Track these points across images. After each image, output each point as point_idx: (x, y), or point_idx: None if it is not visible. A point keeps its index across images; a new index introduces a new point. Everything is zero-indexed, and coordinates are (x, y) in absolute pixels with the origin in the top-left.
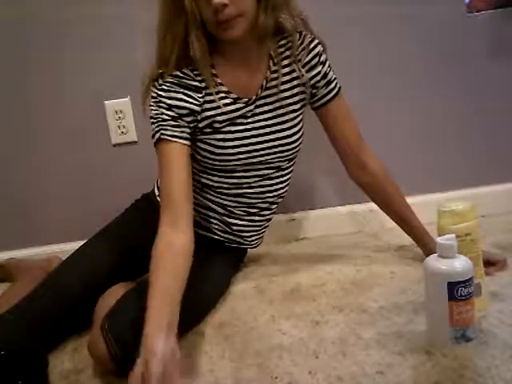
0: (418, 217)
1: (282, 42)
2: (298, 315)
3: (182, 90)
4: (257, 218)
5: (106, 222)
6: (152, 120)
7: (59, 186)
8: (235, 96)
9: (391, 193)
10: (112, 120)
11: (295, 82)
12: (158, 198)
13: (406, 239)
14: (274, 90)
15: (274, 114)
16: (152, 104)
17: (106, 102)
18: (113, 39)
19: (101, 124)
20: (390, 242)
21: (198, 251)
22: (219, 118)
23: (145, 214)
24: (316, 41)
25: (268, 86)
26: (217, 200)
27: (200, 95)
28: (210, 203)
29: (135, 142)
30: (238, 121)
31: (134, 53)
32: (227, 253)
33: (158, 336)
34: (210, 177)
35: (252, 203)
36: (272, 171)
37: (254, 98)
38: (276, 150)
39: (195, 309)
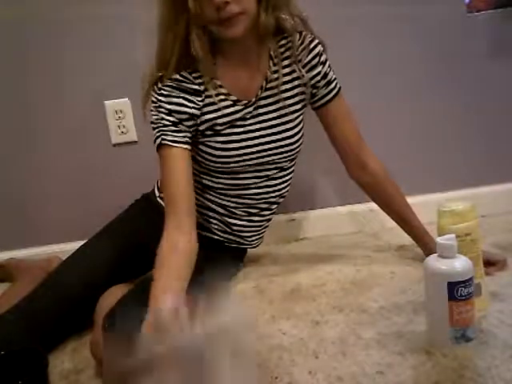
0: (418, 217)
1: (282, 42)
2: (297, 315)
3: (181, 95)
4: (257, 218)
5: (106, 222)
6: (153, 125)
7: (59, 186)
8: (235, 98)
9: (391, 193)
10: (112, 120)
11: (296, 82)
12: (157, 198)
13: (406, 239)
14: (275, 91)
15: (276, 114)
16: (152, 109)
17: (105, 101)
18: (113, 39)
19: (101, 124)
20: (390, 242)
21: (198, 251)
22: (219, 121)
23: (145, 214)
24: (316, 41)
25: (268, 86)
26: (217, 200)
27: (199, 98)
28: (210, 204)
29: (135, 141)
30: (238, 123)
31: (134, 53)
32: (227, 253)
33: (165, 297)
34: (210, 178)
35: (253, 204)
36: (274, 172)
37: (253, 99)
38: (277, 150)
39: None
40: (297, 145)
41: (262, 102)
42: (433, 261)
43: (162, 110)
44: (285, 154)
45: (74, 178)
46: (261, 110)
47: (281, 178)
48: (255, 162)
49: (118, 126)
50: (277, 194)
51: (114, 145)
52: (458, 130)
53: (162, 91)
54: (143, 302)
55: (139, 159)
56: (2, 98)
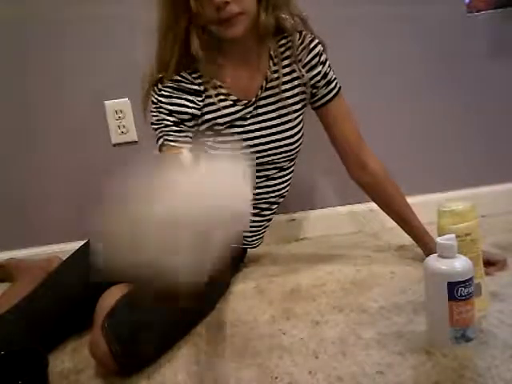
0: (418, 217)
1: (282, 42)
2: (297, 315)
3: (182, 95)
4: (257, 218)
5: None
6: (154, 126)
7: (59, 186)
8: (235, 98)
9: (391, 193)
10: (112, 120)
11: (296, 82)
12: None
13: (406, 239)
14: (275, 90)
15: (276, 114)
16: (153, 110)
17: (105, 101)
18: (113, 39)
19: (101, 124)
20: (390, 242)
21: None
22: (220, 121)
23: None
24: (316, 40)
25: (268, 86)
26: None
27: (200, 99)
28: None
29: (135, 141)
30: (238, 123)
31: (134, 53)
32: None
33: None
34: None
35: (253, 204)
36: (273, 172)
37: (253, 99)
38: (277, 150)
39: (195, 309)
40: (296, 145)
41: (262, 102)
42: (433, 261)
43: (163, 110)
44: (284, 154)
45: (74, 178)
46: (260, 110)
47: (280, 177)
48: (255, 161)
49: (118, 126)
50: (277, 193)
51: (114, 145)
52: (458, 130)
53: (163, 92)
54: (143, 302)
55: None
56: (2, 98)
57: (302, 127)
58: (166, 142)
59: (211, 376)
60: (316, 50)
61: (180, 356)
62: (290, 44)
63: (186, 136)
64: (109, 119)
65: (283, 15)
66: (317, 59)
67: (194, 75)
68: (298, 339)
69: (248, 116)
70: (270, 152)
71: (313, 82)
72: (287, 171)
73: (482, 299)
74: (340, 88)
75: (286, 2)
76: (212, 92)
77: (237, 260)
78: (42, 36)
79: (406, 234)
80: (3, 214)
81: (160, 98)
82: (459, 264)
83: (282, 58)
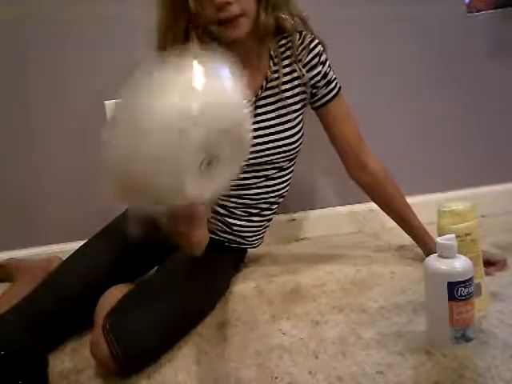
0: (418, 217)
1: (282, 42)
2: (297, 315)
3: None
4: (257, 218)
5: (105, 222)
6: None
7: (59, 186)
8: None
9: (391, 193)
10: None
11: (296, 82)
12: None
13: (406, 239)
14: (275, 90)
15: (275, 114)
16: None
17: (106, 102)
18: (113, 39)
19: (101, 124)
20: (390, 242)
21: None
22: None
23: None
24: (316, 41)
25: (268, 86)
26: (218, 201)
27: None
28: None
29: None
30: None
31: (134, 53)
32: (227, 253)
33: None
34: None
35: (253, 204)
36: (273, 172)
37: (253, 99)
38: (276, 150)
39: (195, 309)
40: (296, 145)
41: (262, 102)
42: (433, 261)
43: None
44: (283, 154)
45: (73, 178)
46: (260, 110)
47: (280, 178)
48: (253, 161)
49: None
50: (276, 194)
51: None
52: (458, 130)
53: None
54: (144, 301)
55: None
56: (2, 98)
57: (302, 127)
58: None
59: (211, 376)
60: (316, 50)
61: (180, 356)
62: (290, 44)
63: None
64: (109, 119)
65: (283, 15)
66: (317, 59)
67: None
68: (297, 339)
69: None
70: (269, 152)
71: (313, 82)
72: (287, 171)
73: (482, 299)
74: (340, 88)
75: (285, 2)
76: None
77: (237, 260)
78: (42, 36)
79: (405, 234)
80: (3, 214)
81: None
82: (459, 264)
83: (282, 57)
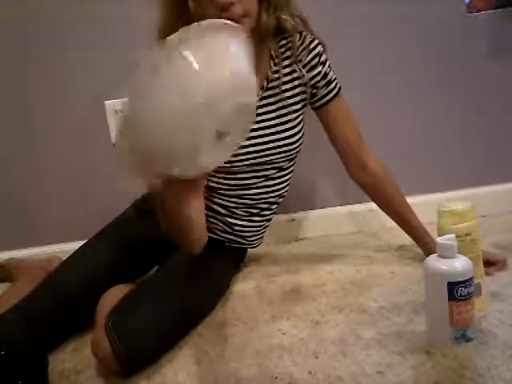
0: (418, 217)
1: (283, 42)
2: (297, 315)
3: None
4: (257, 218)
5: (105, 222)
6: None
7: (59, 186)
8: None
9: (391, 193)
10: (112, 120)
11: (296, 82)
12: None
13: (406, 239)
14: (276, 90)
15: (277, 114)
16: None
17: (106, 101)
18: (113, 39)
19: (101, 124)
20: (390, 242)
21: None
22: None
23: (144, 214)
24: (316, 41)
25: (269, 86)
26: (218, 201)
27: None
28: (211, 204)
29: None
30: None
31: (134, 53)
32: (228, 253)
33: None
34: (210, 178)
35: (253, 204)
36: (272, 172)
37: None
38: (276, 150)
39: (195, 309)
40: (296, 145)
41: (262, 102)
42: (433, 261)
43: None
44: (283, 154)
45: (73, 178)
46: (260, 110)
47: (280, 178)
48: (252, 161)
49: None
50: (276, 194)
51: (114, 145)
52: (458, 130)
53: None
54: (144, 301)
55: None
56: (2, 98)
57: (302, 127)
58: None
59: (211, 376)
60: (316, 51)
61: (180, 356)
62: (290, 44)
63: None
64: (109, 119)
65: (284, 16)
66: (317, 59)
67: None
68: (297, 339)
69: None
70: (268, 152)
71: (313, 82)
72: (287, 171)
73: (482, 299)
74: (340, 88)
75: (286, 3)
76: None
77: (237, 260)
78: (42, 36)
79: (405, 234)
80: (3, 214)
81: None
82: (459, 264)
83: (283, 58)
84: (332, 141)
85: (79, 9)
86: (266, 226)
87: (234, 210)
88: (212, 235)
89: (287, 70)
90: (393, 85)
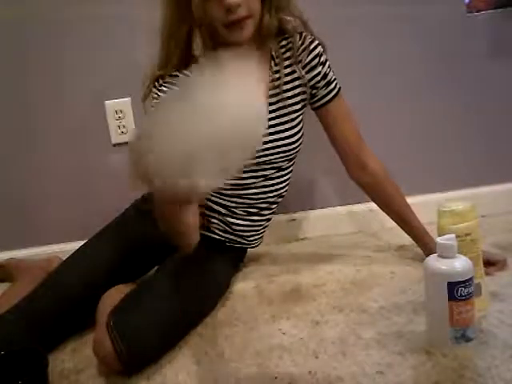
0: (418, 217)
1: (283, 43)
2: (297, 315)
3: None
4: (257, 217)
5: (105, 222)
6: None
7: (59, 186)
8: None
9: (391, 193)
10: (112, 120)
11: (296, 83)
12: None
13: (406, 239)
14: (276, 91)
15: (277, 114)
16: (154, 105)
17: (106, 101)
18: (113, 39)
19: (101, 124)
20: (390, 242)
21: (198, 251)
22: None
23: (144, 214)
24: (316, 42)
25: (269, 86)
26: (218, 200)
27: None
28: (211, 203)
29: None
30: None
31: (134, 53)
32: (227, 253)
33: None
34: None
35: (252, 203)
36: (271, 171)
37: None
38: (275, 150)
39: (195, 309)
40: (295, 145)
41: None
42: (433, 261)
43: None
44: (283, 154)
45: (74, 178)
46: None
47: (279, 178)
48: (255, 161)
49: (118, 126)
50: (275, 193)
51: (114, 145)
52: (458, 129)
53: (163, 87)
54: (145, 301)
55: None
56: (2, 98)
57: (302, 128)
58: None
59: (211, 376)
60: (316, 51)
61: (180, 356)
62: (290, 45)
63: None
64: (109, 119)
65: (284, 17)
66: (317, 60)
67: None
68: (297, 339)
69: None
70: (266, 152)
71: (313, 82)
72: (286, 171)
73: (482, 299)
74: (340, 89)
75: (287, 4)
76: None
77: (237, 260)
78: (42, 36)
79: (406, 234)
80: (3, 214)
81: (160, 94)
82: (459, 264)
83: (283, 58)
84: (332, 141)
85: (79, 9)
86: (266, 226)
87: (234, 210)
88: (212, 235)
89: (287, 70)
90: (393, 85)
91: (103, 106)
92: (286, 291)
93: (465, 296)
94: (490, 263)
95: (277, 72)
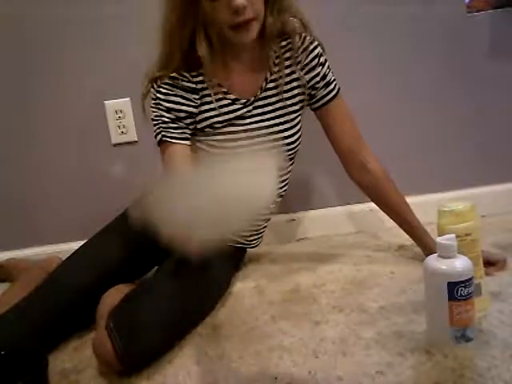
0: (418, 217)
1: (283, 44)
2: (297, 315)
3: (178, 93)
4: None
5: (105, 222)
6: (153, 122)
7: (59, 186)
8: (233, 97)
9: (391, 193)
10: (112, 120)
11: (295, 83)
12: None
13: (406, 239)
14: (276, 91)
15: (274, 114)
16: (152, 106)
17: (106, 101)
18: (113, 39)
19: (101, 124)
20: (390, 242)
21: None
22: (219, 119)
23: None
24: (316, 42)
25: (268, 86)
26: None
27: (197, 96)
28: None
29: (135, 141)
30: (237, 121)
31: (134, 53)
32: (227, 253)
33: None
34: None
35: None
36: None
37: (252, 99)
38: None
39: (195, 309)
40: (295, 144)
41: (262, 102)
42: (433, 261)
43: (161, 107)
44: (283, 154)
45: (73, 177)
46: (260, 110)
47: (278, 178)
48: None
49: (118, 126)
50: None
51: (114, 145)
52: (458, 130)
53: (161, 89)
54: (145, 301)
55: (139, 159)
56: (1, 98)
57: (300, 128)
58: (164, 139)
59: (211, 376)
60: (315, 52)
61: (180, 356)
62: (290, 46)
63: (184, 133)
64: (109, 119)
65: (286, 18)
66: (316, 61)
67: (193, 73)
68: (297, 339)
69: (247, 115)
70: None
71: (312, 83)
72: (284, 171)
73: (482, 299)
74: (339, 89)
75: (289, 5)
76: (210, 90)
77: (237, 260)
78: (42, 36)
79: (405, 234)
80: (3, 214)
81: (158, 95)
82: (459, 264)
83: (284, 59)
84: (331, 141)
85: (79, 9)
86: (265, 226)
87: None
88: None
89: (287, 71)
90: (393, 85)
91: (103, 106)
92: (286, 291)
93: (465, 296)
94: (490, 263)
95: (276, 72)
